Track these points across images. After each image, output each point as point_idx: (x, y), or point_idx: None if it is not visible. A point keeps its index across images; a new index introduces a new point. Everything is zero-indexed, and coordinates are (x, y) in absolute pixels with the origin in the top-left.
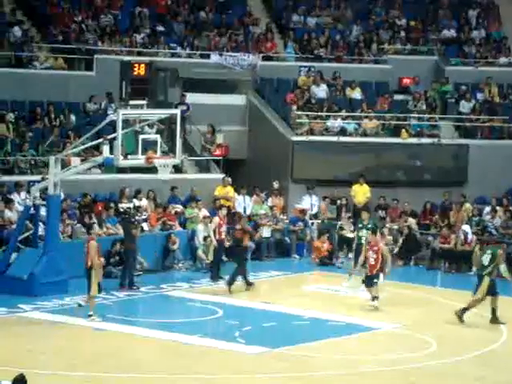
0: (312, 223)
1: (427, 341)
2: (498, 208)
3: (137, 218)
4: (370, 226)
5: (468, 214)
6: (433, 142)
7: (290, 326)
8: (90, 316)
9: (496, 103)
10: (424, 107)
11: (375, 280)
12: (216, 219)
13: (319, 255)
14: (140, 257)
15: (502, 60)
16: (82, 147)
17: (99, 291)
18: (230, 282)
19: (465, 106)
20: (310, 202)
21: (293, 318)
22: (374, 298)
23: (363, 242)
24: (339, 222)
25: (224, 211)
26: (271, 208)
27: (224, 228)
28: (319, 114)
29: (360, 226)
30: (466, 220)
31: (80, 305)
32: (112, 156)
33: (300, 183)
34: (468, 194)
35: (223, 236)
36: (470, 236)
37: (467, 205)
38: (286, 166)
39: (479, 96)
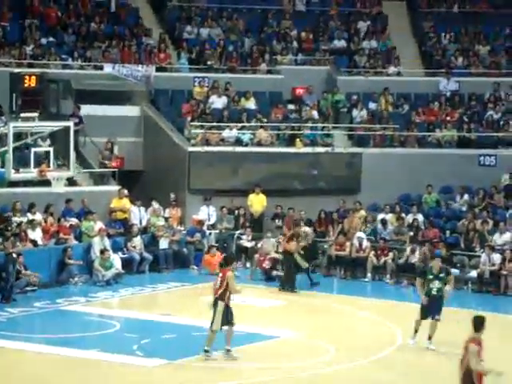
0: (210, 233)
1: (325, 347)
2: (390, 215)
3: (9, 230)
4: (442, 275)
5: (362, 221)
6: (326, 150)
7: (190, 337)
8: None
9: (388, 112)
10: (317, 117)
11: None
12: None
13: (212, 269)
14: (31, 271)
15: (391, 70)
16: None
17: None
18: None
19: (356, 115)
20: (207, 213)
21: (193, 329)
22: None
23: (434, 293)
24: (237, 232)
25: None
26: (167, 219)
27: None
28: (214, 124)
29: (431, 276)
30: (361, 227)
31: None
32: (3, 170)
33: (197, 194)
34: (362, 202)
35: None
36: (364, 243)
37: (361, 212)
38: (183, 176)
39: (371, 105)
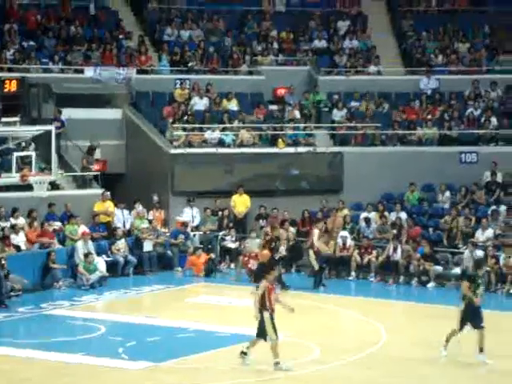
0: (194, 235)
1: (311, 347)
2: (373, 213)
3: None
4: (480, 281)
5: (345, 220)
6: (309, 150)
7: (175, 339)
8: None
9: (370, 111)
10: (299, 117)
11: None
12: (316, 231)
13: (196, 271)
14: (16, 276)
15: (372, 69)
16: None
17: None
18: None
19: (337, 115)
20: (190, 215)
21: (178, 331)
22: None
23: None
24: (221, 233)
25: (320, 225)
26: (151, 222)
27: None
28: (196, 126)
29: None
30: (344, 226)
31: None
32: None
33: (180, 196)
34: (344, 201)
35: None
36: (348, 241)
37: (344, 211)
38: (166, 178)
39: (352, 104)
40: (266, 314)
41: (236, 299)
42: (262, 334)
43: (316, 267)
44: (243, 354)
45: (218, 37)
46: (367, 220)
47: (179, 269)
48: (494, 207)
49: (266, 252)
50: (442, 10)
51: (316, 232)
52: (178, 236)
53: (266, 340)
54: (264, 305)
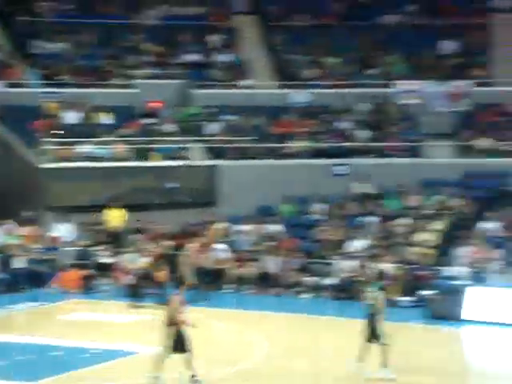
0: (68, 251)
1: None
2: (249, 226)
3: None
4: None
5: (222, 232)
6: (183, 164)
7: (48, 357)
8: None
9: (244, 124)
10: (173, 130)
11: None
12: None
13: (70, 287)
14: None
15: (245, 83)
16: None
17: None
18: None
19: (212, 128)
20: (64, 230)
21: (50, 349)
22: None
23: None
24: (96, 248)
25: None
26: (22, 238)
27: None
28: (68, 140)
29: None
30: (220, 239)
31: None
32: None
33: (53, 211)
34: (221, 214)
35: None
36: (224, 254)
37: (221, 224)
38: (37, 194)
39: (227, 118)
40: (179, 328)
41: (110, 315)
42: (178, 348)
43: (192, 281)
44: (193, 377)
45: (89, 50)
46: (242, 233)
47: (52, 285)
48: (365, 218)
49: (163, 273)
50: (312, 25)
51: (192, 246)
52: (51, 252)
53: (184, 352)
54: (176, 319)
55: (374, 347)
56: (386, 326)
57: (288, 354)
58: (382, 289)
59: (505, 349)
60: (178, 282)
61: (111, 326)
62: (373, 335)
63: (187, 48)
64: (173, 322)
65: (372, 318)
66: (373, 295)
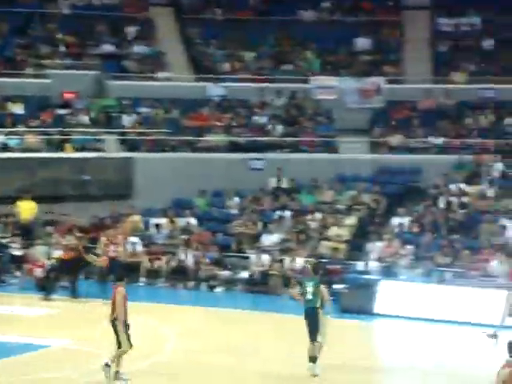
0: None
1: (97, 354)
2: (163, 219)
3: None
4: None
5: (136, 225)
6: (98, 155)
7: None
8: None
9: (160, 117)
10: (87, 121)
11: None
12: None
13: None
14: None
15: (161, 75)
16: None
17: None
18: None
19: (127, 120)
20: None
21: None
22: None
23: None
24: (6, 240)
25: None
26: None
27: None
28: None
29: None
30: (134, 232)
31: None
32: None
33: None
34: (135, 206)
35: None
36: (138, 247)
37: (135, 217)
38: None
39: (142, 110)
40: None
41: (21, 308)
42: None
43: (106, 274)
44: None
45: (1, 39)
46: (157, 226)
47: None
48: (279, 212)
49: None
50: (228, 19)
51: (105, 239)
52: None
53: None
54: (119, 313)
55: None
56: (326, 323)
57: (203, 347)
58: (319, 283)
59: (414, 342)
60: (116, 275)
61: (22, 320)
62: (308, 331)
63: (103, 39)
64: (116, 317)
65: (310, 315)
66: (310, 290)
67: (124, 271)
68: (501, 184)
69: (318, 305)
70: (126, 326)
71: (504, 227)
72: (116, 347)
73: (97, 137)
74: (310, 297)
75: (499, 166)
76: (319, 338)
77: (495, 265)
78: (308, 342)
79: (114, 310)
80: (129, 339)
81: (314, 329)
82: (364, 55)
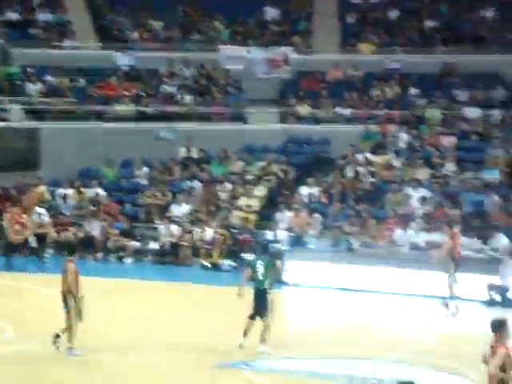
0: None
1: (2, 327)
2: (70, 190)
3: None
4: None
5: (42, 196)
6: (3, 125)
7: None
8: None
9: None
10: None
11: None
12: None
13: None
14: None
15: (67, 43)
16: None
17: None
18: None
19: (32, 89)
20: None
21: None
22: None
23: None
24: None
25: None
26: None
27: None
28: None
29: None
30: (41, 202)
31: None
32: None
33: None
34: (42, 177)
35: None
36: (45, 218)
37: (41, 187)
38: None
39: (48, 78)
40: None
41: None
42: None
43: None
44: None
45: None
46: (64, 196)
47: None
48: (189, 183)
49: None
50: None
51: (9, 215)
52: None
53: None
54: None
55: (257, 323)
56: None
57: (111, 319)
58: (269, 262)
59: (323, 310)
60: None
61: None
62: (257, 311)
63: (7, 6)
64: (70, 291)
65: (260, 297)
66: (261, 270)
67: (75, 246)
68: (406, 154)
69: (267, 285)
70: (79, 301)
71: (409, 196)
72: (66, 320)
73: (1, 106)
74: (260, 277)
75: (404, 137)
76: (267, 318)
77: (400, 234)
78: (245, 318)
79: (64, 283)
80: (79, 314)
81: (263, 310)
82: (273, 25)
